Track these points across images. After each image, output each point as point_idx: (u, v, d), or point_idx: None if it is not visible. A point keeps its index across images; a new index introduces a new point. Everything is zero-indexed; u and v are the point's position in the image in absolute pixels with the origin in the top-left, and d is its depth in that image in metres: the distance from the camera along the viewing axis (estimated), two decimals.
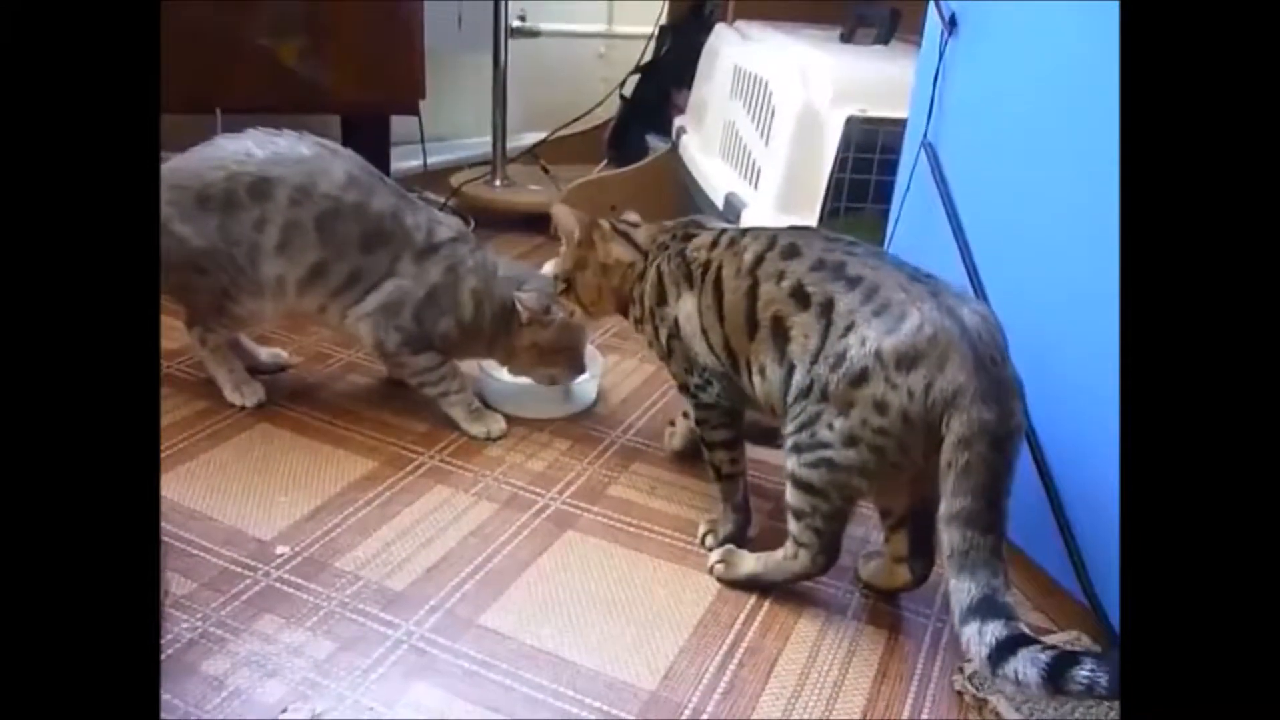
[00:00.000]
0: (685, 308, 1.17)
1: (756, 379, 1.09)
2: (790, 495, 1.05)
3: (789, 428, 1.03)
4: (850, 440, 0.98)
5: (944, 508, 0.92)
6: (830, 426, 0.99)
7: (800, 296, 1.03)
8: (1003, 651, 0.83)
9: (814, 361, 1.00)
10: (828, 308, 1.01)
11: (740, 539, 1.20)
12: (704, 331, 1.15)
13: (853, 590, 1.14)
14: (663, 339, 1.22)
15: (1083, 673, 0.78)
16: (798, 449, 1.02)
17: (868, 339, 0.96)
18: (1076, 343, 1.03)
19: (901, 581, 1.11)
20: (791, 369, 1.04)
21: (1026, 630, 0.85)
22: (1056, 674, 0.79)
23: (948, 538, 0.91)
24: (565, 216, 1.30)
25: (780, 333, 1.05)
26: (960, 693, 0.99)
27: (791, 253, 1.07)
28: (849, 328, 0.98)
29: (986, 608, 0.87)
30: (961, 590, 0.89)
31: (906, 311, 0.96)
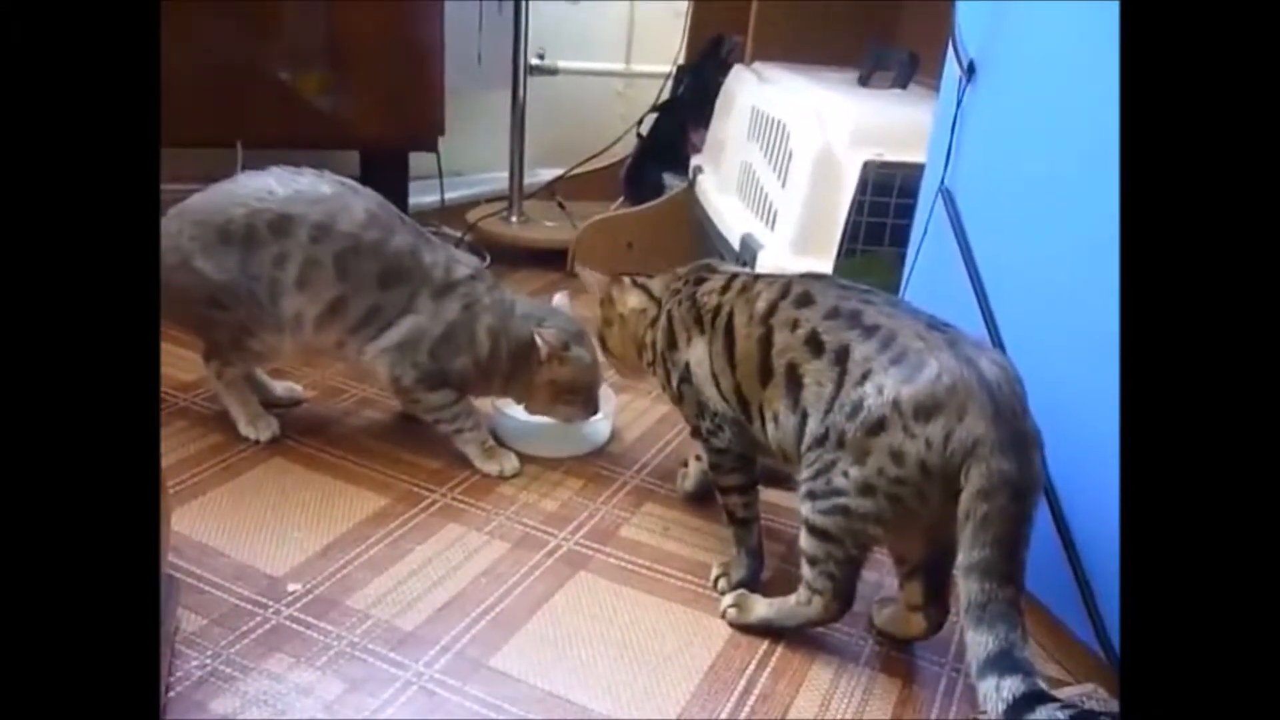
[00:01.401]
0: (696, 353, 1.18)
1: (770, 426, 1.09)
2: (805, 541, 1.04)
3: (804, 474, 1.03)
4: (866, 489, 0.97)
5: (962, 558, 0.91)
6: (845, 474, 0.98)
7: (815, 344, 1.03)
8: (1019, 708, 0.82)
9: (829, 409, 1.00)
10: (843, 355, 1.00)
11: (753, 583, 1.19)
12: (714, 376, 1.16)
13: (866, 637, 1.13)
14: (674, 383, 1.22)
15: None
16: (813, 495, 1.01)
17: (885, 387, 0.96)
18: (1094, 390, 1.02)
19: (916, 630, 1.10)
20: (805, 417, 1.04)
21: (1045, 687, 0.84)
22: None
23: (965, 589, 0.90)
24: (588, 277, 1.37)
25: (794, 380, 1.05)
26: None
27: (805, 300, 1.07)
28: (865, 375, 0.98)
29: (1004, 662, 0.86)
30: (979, 643, 0.88)
31: (924, 360, 0.95)
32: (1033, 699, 0.83)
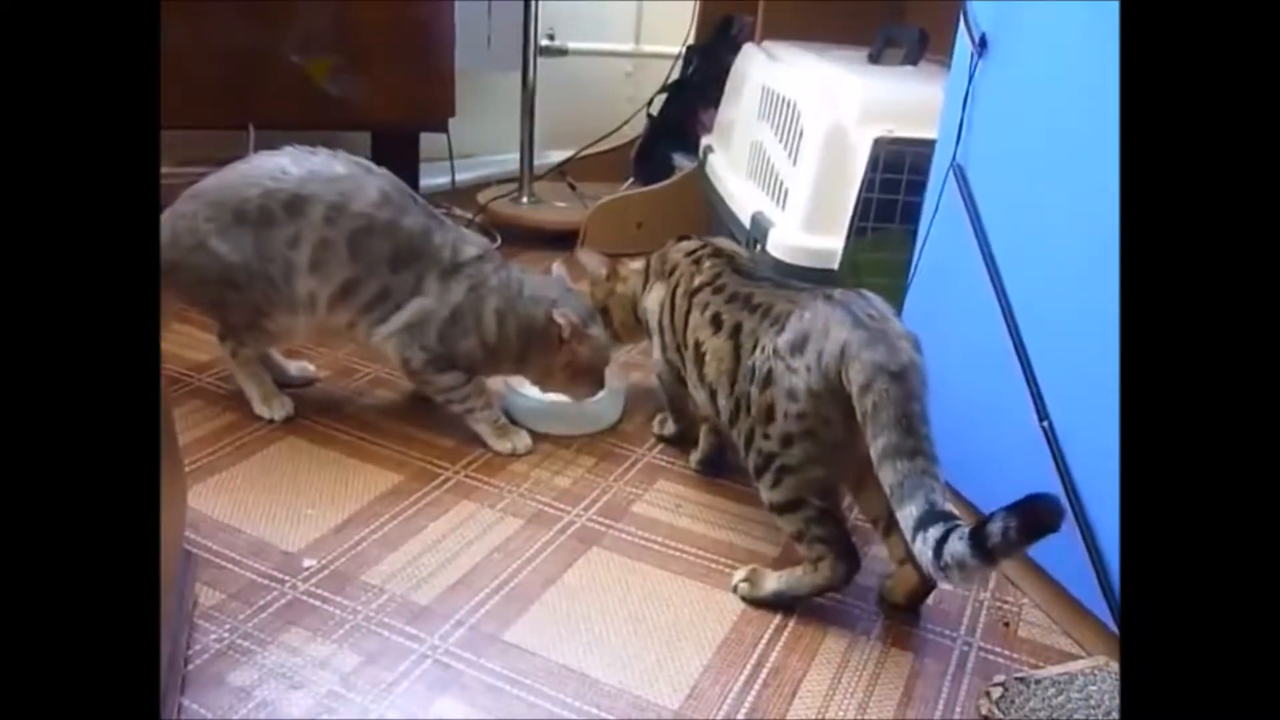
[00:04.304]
0: (653, 297, 1.37)
1: (693, 392, 1.26)
2: (780, 522, 1.10)
3: (742, 453, 1.13)
4: (786, 439, 1.06)
5: (872, 455, 0.97)
6: (766, 436, 1.07)
7: (715, 322, 1.19)
8: (939, 546, 0.88)
9: (733, 383, 1.13)
10: (735, 331, 1.15)
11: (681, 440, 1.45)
12: (660, 328, 1.34)
13: (878, 612, 1.14)
14: (647, 325, 1.42)
15: (995, 527, 0.84)
16: (758, 472, 1.10)
17: (766, 346, 1.08)
18: (1106, 363, 1.02)
19: (913, 583, 1.11)
20: (713, 393, 1.18)
21: (961, 522, 0.89)
22: (979, 539, 0.85)
23: (882, 479, 0.96)
24: (589, 259, 1.54)
25: (699, 356, 1.21)
26: (986, 717, 0.98)
27: (719, 289, 1.22)
28: (755, 345, 1.10)
29: (927, 519, 0.91)
30: (906, 517, 0.93)
31: (791, 311, 1.08)
32: (946, 534, 0.89)
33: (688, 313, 1.25)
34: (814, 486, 1.07)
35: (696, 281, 1.26)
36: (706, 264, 1.29)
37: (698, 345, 1.21)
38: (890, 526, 1.08)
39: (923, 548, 0.90)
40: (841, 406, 1.01)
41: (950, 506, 0.93)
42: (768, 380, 1.06)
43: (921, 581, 1.10)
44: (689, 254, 1.34)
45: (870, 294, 1.08)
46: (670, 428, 1.49)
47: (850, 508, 1.16)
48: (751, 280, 1.22)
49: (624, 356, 1.74)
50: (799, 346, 1.04)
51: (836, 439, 1.04)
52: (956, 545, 0.87)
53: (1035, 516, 0.83)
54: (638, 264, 1.49)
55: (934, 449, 0.96)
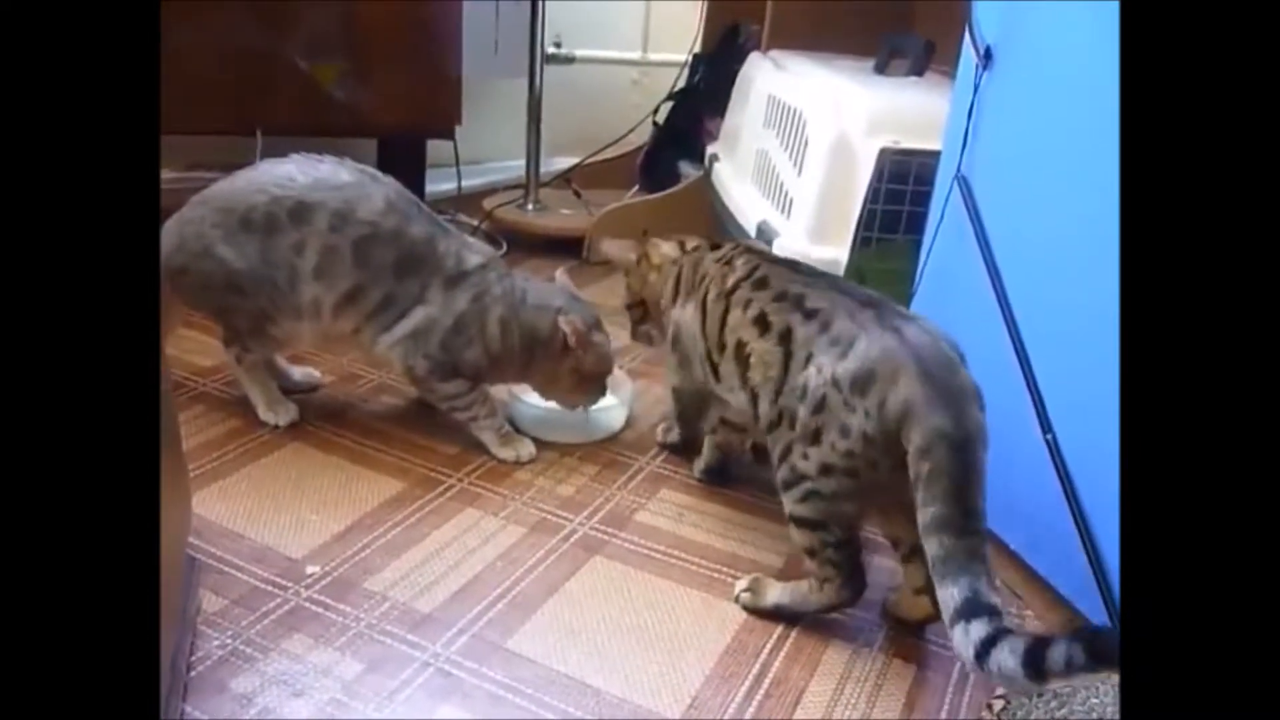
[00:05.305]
0: (686, 313, 1.28)
1: (729, 395, 1.19)
2: (795, 535, 1.07)
3: (774, 461, 1.09)
4: (825, 469, 1.02)
5: (919, 521, 0.94)
6: (805, 457, 1.03)
7: (762, 323, 1.11)
8: (986, 648, 0.84)
9: (779, 391, 1.07)
10: (786, 336, 1.08)
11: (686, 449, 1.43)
12: (690, 342, 1.27)
13: (880, 623, 1.13)
14: (670, 335, 1.34)
15: (1058, 652, 0.79)
16: (785, 485, 1.07)
17: (824, 367, 1.02)
18: (1110, 376, 1.02)
19: (923, 613, 1.10)
20: (755, 396, 1.11)
21: (1009, 625, 0.86)
22: (1035, 659, 0.80)
23: (927, 549, 0.93)
24: (613, 246, 1.49)
25: (741, 357, 1.13)
26: None
27: (761, 284, 1.15)
28: (808, 359, 1.04)
29: (970, 608, 0.88)
30: (947, 597, 0.90)
31: (856, 336, 1.01)
32: (996, 636, 0.84)
33: (725, 312, 1.17)
34: (843, 517, 1.04)
35: (730, 281, 1.19)
36: (739, 261, 1.22)
37: (740, 345, 1.14)
38: (911, 554, 1.08)
39: (963, 640, 0.87)
40: (893, 458, 0.97)
41: (996, 597, 0.88)
42: (820, 406, 1.01)
43: (935, 613, 1.09)
44: (719, 260, 1.27)
45: (931, 323, 1.03)
46: (675, 435, 1.48)
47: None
48: (797, 274, 1.16)
49: (627, 364, 1.74)
50: (862, 386, 0.98)
51: (878, 483, 1.00)
52: (1008, 660, 0.82)
53: (1102, 647, 0.78)
54: (668, 247, 1.41)
55: (984, 524, 0.93)
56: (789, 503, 1.06)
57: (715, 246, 1.33)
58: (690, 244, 1.39)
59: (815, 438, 1.02)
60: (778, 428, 1.07)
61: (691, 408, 1.36)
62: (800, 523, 1.06)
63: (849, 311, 1.04)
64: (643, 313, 1.45)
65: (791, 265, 1.20)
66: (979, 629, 0.86)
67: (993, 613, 0.86)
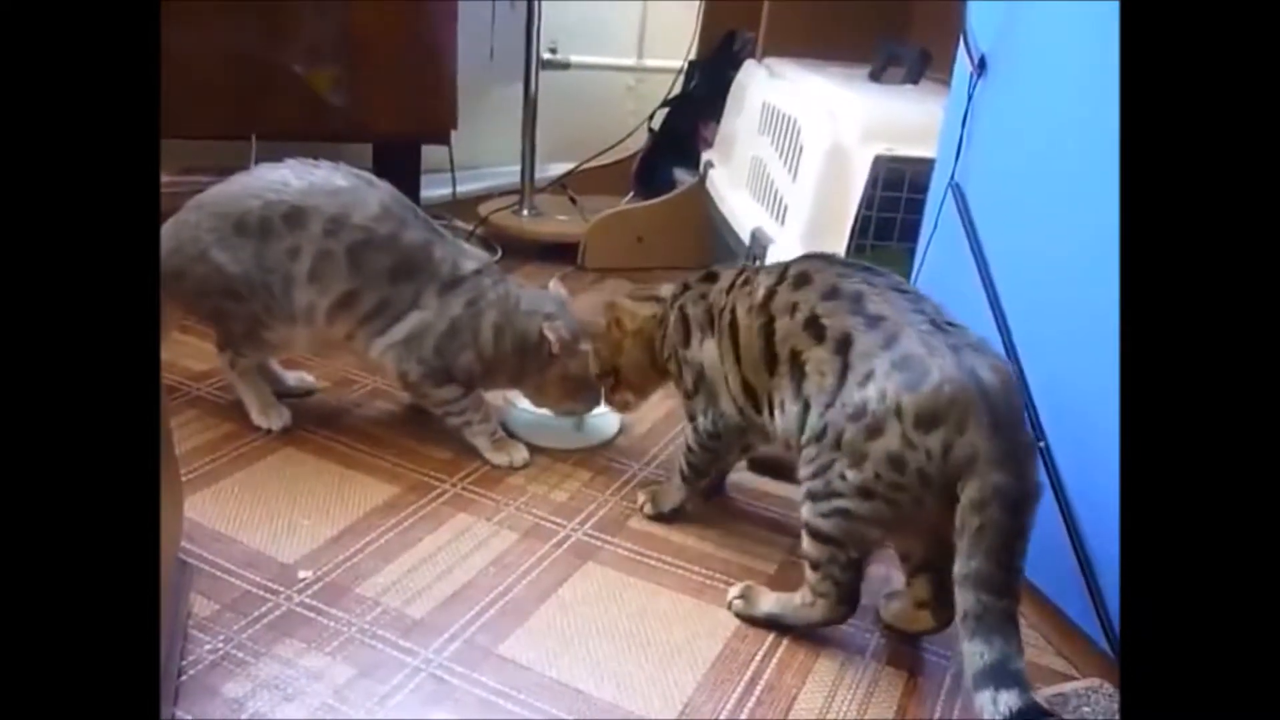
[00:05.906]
0: (709, 354, 1.19)
1: (777, 414, 1.10)
2: (807, 545, 1.05)
3: (803, 472, 1.04)
4: (865, 492, 0.98)
5: (958, 568, 0.92)
6: (843, 476, 0.99)
7: (815, 328, 1.04)
8: None
9: (829, 404, 1.00)
10: (844, 345, 1.00)
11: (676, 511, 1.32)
12: (725, 378, 1.17)
13: (873, 630, 1.14)
14: (689, 380, 1.24)
15: None
16: (813, 497, 1.02)
17: (887, 393, 0.95)
18: (1102, 386, 1.03)
19: (923, 626, 1.10)
20: (807, 406, 1.04)
21: (1041, 703, 0.85)
22: None
23: (961, 599, 0.91)
24: (583, 308, 1.44)
25: (798, 367, 1.05)
26: None
27: (803, 281, 1.08)
28: (868, 376, 0.97)
29: (1000, 675, 0.86)
30: (975, 653, 0.88)
31: (928, 367, 0.94)
32: (1029, 715, 0.83)
33: (768, 324, 1.09)
34: (864, 541, 1.02)
35: (761, 294, 1.11)
36: (761, 276, 1.14)
37: (795, 354, 1.05)
38: (918, 569, 1.08)
39: (990, 706, 0.85)
40: (943, 501, 0.94)
41: (1022, 662, 0.88)
42: (877, 431, 0.96)
43: (935, 628, 1.09)
44: (728, 289, 1.18)
45: (1004, 365, 0.97)
46: (672, 499, 1.32)
47: None
48: (843, 267, 1.08)
49: None
50: (927, 424, 0.93)
51: (915, 518, 0.98)
52: None
53: None
54: (641, 305, 1.31)
55: (1021, 584, 0.91)
56: (811, 514, 1.03)
57: (709, 278, 1.24)
58: (662, 291, 1.31)
59: (861, 460, 0.97)
60: (820, 440, 1.01)
61: (725, 445, 1.24)
62: (817, 535, 1.03)
63: (919, 332, 0.97)
64: (615, 380, 1.36)
65: (825, 258, 1.13)
66: (1010, 700, 0.85)
67: (1023, 686, 0.86)
